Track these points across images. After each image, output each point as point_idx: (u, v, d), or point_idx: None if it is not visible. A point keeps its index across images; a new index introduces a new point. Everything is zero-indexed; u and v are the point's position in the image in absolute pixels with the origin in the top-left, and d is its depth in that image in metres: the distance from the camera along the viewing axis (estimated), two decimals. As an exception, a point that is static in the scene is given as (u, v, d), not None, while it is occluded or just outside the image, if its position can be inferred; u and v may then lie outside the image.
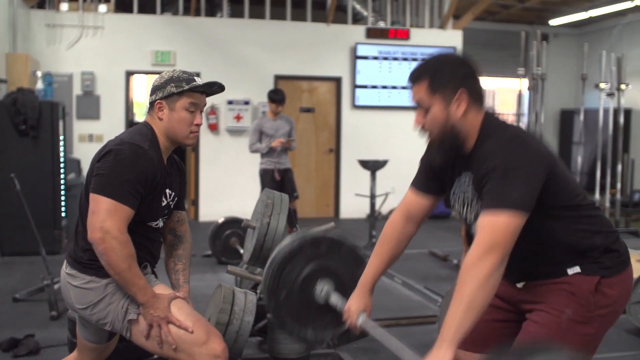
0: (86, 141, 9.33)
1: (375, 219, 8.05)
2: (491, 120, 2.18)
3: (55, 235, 7.19)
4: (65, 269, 2.61)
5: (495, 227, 1.94)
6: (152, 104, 2.60)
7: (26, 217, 5.45)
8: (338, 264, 2.89)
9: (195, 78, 2.58)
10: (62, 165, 7.45)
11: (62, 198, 7.47)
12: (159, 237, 2.71)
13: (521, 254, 2.07)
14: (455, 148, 2.17)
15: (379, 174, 8.11)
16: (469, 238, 2.32)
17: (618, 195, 9.28)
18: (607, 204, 9.28)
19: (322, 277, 2.84)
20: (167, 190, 2.61)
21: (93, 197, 2.37)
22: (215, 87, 2.66)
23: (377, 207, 8.31)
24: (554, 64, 14.31)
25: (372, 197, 7.84)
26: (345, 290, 2.73)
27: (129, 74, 9.61)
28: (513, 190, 1.96)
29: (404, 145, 10.37)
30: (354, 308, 2.49)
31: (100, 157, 2.43)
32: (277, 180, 7.24)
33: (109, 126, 9.35)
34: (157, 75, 2.65)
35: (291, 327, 3.04)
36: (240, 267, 4.43)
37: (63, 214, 7.46)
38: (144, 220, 2.54)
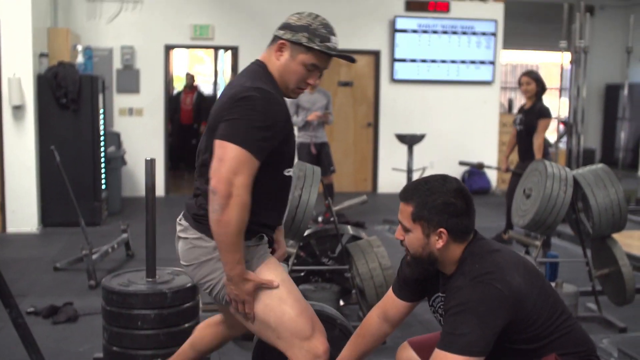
0: (126, 115, 9.43)
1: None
2: (472, 252, 2.19)
3: (95, 207, 7.32)
4: (179, 219, 2.49)
5: None
6: (276, 38, 2.38)
7: (66, 189, 5.55)
8: None
9: (331, 38, 2.34)
10: (102, 138, 7.56)
11: (102, 170, 7.59)
12: (289, 190, 2.50)
13: None
14: (430, 269, 2.23)
15: (416, 148, 8.04)
16: None
17: (662, 172, 9.07)
18: (651, 181, 9.07)
19: None
20: None
21: (221, 143, 2.17)
22: (344, 58, 2.45)
23: (413, 181, 8.25)
24: (599, 37, 13.97)
25: (409, 171, 7.79)
26: None
27: (168, 48, 9.66)
28: (468, 334, 2.02)
29: (442, 119, 10.28)
30: None
31: (229, 105, 2.22)
32: (313, 154, 7.23)
33: (149, 100, 9.46)
34: (296, 13, 2.40)
35: None
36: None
37: (103, 186, 7.59)
38: (281, 168, 2.35)
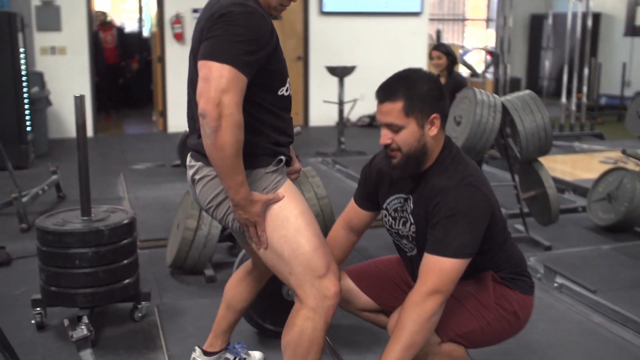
0: (48, 54, 9.08)
1: (343, 126, 8.07)
2: (450, 151, 2.22)
3: (21, 150, 7.09)
4: (188, 162, 2.34)
5: (441, 271, 2.06)
6: None
7: (-10, 131, 5.37)
8: None
9: None
10: (24, 79, 7.28)
11: (27, 112, 7.33)
12: (290, 109, 2.33)
13: None
14: (418, 166, 2.19)
15: (348, 80, 8.07)
16: (398, 248, 2.44)
17: (584, 99, 9.36)
18: (573, 108, 9.36)
19: None
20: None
21: (204, 63, 2.02)
22: None
23: (345, 113, 8.31)
24: (524, -33, 14.11)
25: (341, 103, 7.83)
26: None
27: (89, -18, 9.30)
28: (460, 237, 2.06)
29: (371, 51, 10.29)
30: None
31: (209, 24, 2.08)
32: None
33: (72, 38, 9.11)
34: None
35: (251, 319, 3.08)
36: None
37: (28, 128, 7.35)
38: (274, 88, 2.21)
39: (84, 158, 3.16)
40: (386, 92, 2.17)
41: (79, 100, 3.09)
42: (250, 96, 2.09)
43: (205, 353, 2.70)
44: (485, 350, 2.47)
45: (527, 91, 4.51)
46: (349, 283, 2.51)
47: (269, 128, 2.21)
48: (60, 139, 8.74)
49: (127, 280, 3.23)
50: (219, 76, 1.99)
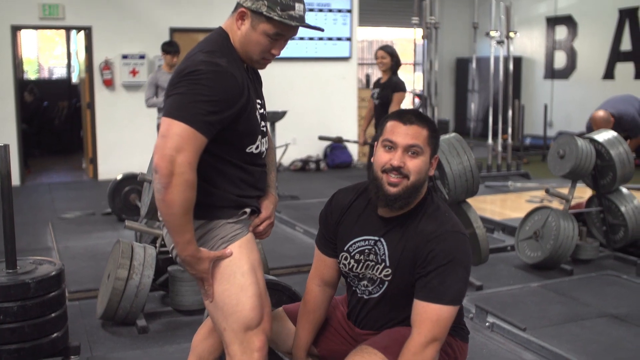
0: (-29, 101, 8.87)
1: (276, 170, 8.08)
2: (433, 196, 2.25)
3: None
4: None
5: (439, 320, 2.07)
6: (237, 5, 2.20)
7: None
8: None
9: (296, 5, 2.15)
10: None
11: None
12: (262, 164, 2.31)
13: (390, 315, 2.28)
14: (412, 201, 2.17)
15: (279, 125, 8.13)
16: (351, 291, 2.38)
17: (509, 140, 9.67)
18: (500, 149, 9.64)
19: None
20: (257, 100, 2.27)
21: (164, 120, 2.02)
22: (309, 27, 2.24)
23: (277, 158, 8.35)
24: (449, 13, 14.60)
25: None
26: None
27: (15, 29, 9.14)
28: (456, 285, 2.08)
29: (303, 96, 10.43)
30: None
31: (179, 76, 2.08)
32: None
33: (-4, 84, 8.93)
34: None
35: None
36: (140, 222, 4.39)
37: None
38: (242, 146, 2.18)
39: (9, 209, 3.09)
40: (415, 116, 2.18)
41: (3, 150, 3.03)
42: (215, 151, 2.11)
43: None
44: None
45: (453, 134, 4.64)
46: (288, 324, 2.47)
47: (235, 181, 2.20)
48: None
49: (55, 334, 3.14)
50: (176, 134, 1.99)
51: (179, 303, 4.02)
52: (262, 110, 2.29)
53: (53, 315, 3.11)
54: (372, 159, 2.24)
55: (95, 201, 7.58)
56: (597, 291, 4.53)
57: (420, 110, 10.55)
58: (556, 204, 5.99)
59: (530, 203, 7.20)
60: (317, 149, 10.57)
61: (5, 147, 3.05)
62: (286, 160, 10.10)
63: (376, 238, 2.23)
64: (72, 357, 3.29)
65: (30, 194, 8.45)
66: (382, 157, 2.17)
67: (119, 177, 6.47)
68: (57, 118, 12.38)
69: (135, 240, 4.68)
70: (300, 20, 2.17)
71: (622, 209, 5.22)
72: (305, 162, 10.33)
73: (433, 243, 2.11)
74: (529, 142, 12.46)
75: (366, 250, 2.25)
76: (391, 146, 2.16)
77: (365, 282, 2.28)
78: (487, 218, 6.52)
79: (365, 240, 2.26)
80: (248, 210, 2.24)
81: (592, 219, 5.57)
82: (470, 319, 4.00)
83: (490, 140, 9.53)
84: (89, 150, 9.72)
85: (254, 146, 2.22)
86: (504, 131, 9.89)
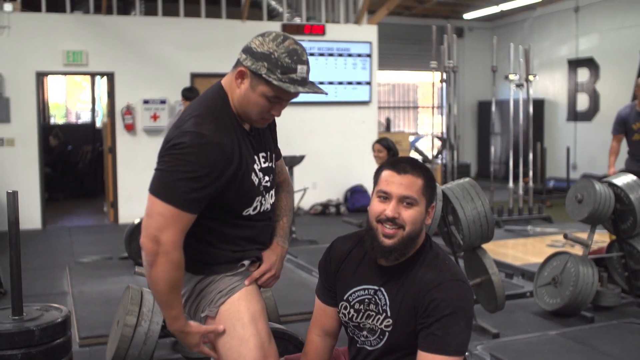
0: (-3, 145, 9.03)
1: (294, 214, 8.07)
2: (432, 244, 2.21)
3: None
4: None
5: None
6: (238, 62, 2.15)
7: None
8: None
9: (298, 68, 2.06)
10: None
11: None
12: (266, 219, 2.29)
13: None
14: (408, 251, 2.14)
15: (299, 169, 8.14)
16: (351, 341, 2.31)
17: (531, 183, 9.57)
18: (521, 192, 9.54)
19: None
20: (261, 155, 2.22)
21: (149, 197, 2.03)
22: (310, 92, 2.16)
23: (296, 202, 8.33)
24: (470, 57, 14.68)
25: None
26: None
27: (40, 75, 9.32)
28: (460, 335, 2.04)
29: (322, 140, 10.46)
30: None
31: (163, 149, 2.05)
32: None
33: (21, 129, 9.06)
34: (260, 35, 2.12)
35: None
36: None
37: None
38: (236, 211, 2.15)
39: (17, 255, 3.09)
40: (410, 165, 2.13)
41: (12, 197, 3.04)
42: (208, 215, 2.08)
43: None
44: None
45: (467, 179, 4.59)
46: None
47: (232, 239, 2.19)
48: (3, 231, 8.53)
49: (60, 383, 3.11)
50: (159, 214, 1.99)
51: (188, 351, 3.97)
52: (266, 164, 2.25)
53: (58, 363, 3.08)
54: (368, 209, 2.21)
55: (114, 245, 7.60)
56: (618, 340, 4.40)
57: (442, 153, 10.53)
58: (578, 249, 5.87)
59: (552, 248, 7.07)
60: (337, 193, 10.56)
61: (14, 194, 3.07)
62: (306, 204, 10.08)
63: (376, 287, 2.18)
64: (76, 405, 3.24)
65: (50, 237, 8.50)
66: (376, 207, 2.13)
67: (137, 221, 6.48)
68: (81, 162, 12.53)
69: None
70: (303, 84, 2.09)
71: (644, 254, 5.11)
72: (326, 206, 10.30)
73: (434, 292, 2.06)
74: (552, 185, 12.33)
75: (366, 300, 2.20)
76: (385, 197, 2.12)
77: (365, 333, 2.22)
78: (506, 263, 6.41)
79: (365, 289, 2.21)
80: (246, 262, 2.22)
81: (614, 264, 5.45)
82: (485, 369, 3.90)
83: (511, 184, 9.45)
84: (109, 194, 9.80)
85: (251, 208, 2.19)
86: (525, 174, 9.80)
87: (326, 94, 2.17)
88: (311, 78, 2.16)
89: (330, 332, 2.35)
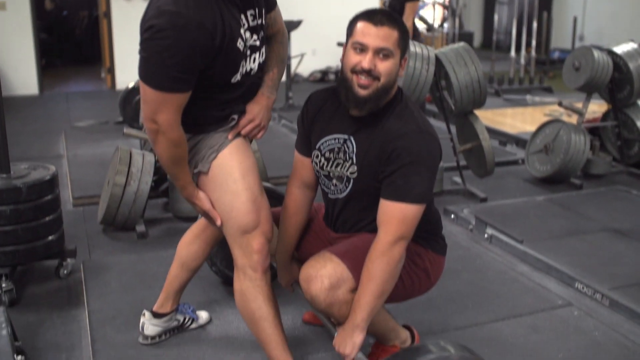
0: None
1: (291, 81, 8.00)
2: (402, 97, 2.19)
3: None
4: None
5: (405, 218, 2.05)
6: None
7: None
8: None
9: None
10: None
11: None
12: (255, 79, 2.28)
13: (358, 215, 2.27)
14: (381, 102, 2.13)
15: (298, 35, 7.98)
16: (324, 194, 2.36)
17: (533, 53, 9.40)
18: (522, 61, 9.39)
19: None
20: (249, 13, 2.14)
21: (140, 83, 2.04)
22: None
23: (293, 68, 8.24)
24: None
25: (288, 57, 7.74)
26: None
27: None
28: (421, 184, 2.06)
29: (322, 5, 10.16)
30: (285, 281, 2.53)
31: (142, 31, 1.98)
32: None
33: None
34: None
35: None
36: (143, 130, 4.37)
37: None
38: (223, 79, 2.14)
39: (1, 115, 3.08)
40: (386, 17, 2.09)
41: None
42: (200, 84, 2.08)
43: (155, 315, 2.67)
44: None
45: (462, 43, 4.50)
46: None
47: (221, 104, 2.21)
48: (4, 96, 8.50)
49: (49, 238, 3.18)
50: (151, 100, 2.03)
51: (178, 210, 4.05)
52: (254, 22, 2.17)
53: (47, 219, 3.13)
54: (340, 60, 2.17)
55: (110, 110, 7.56)
56: (604, 206, 4.46)
57: (447, 21, 10.27)
58: (574, 119, 5.85)
59: (549, 117, 7.03)
60: (337, 60, 10.33)
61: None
62: (305, 71, 9.96)
63: (346, 136, 2.20)
64: (68, 259, 3.34)
65: (47, 103, 8.48)
66: (352, 58, 2.10)
67: (131, 85, 6.42)
68: (77, 27, 12.29)
69: (140, 147, 4.67)
70: None
71: (638, 123, 5.09)
72: (325, 72, 10.18)
73: (398, 141, 2.07)
74: (557, 55, 12.11)
75: (336, 148, 2.23)
76: (362, 48, 2.07)
77: (335, 182, 2.27)
78: (501, 131, 6.42)
79: (335, 138, 2.23)
80: (236, 116, 2.24)
81: (607, 133, 5.45)
82: (470, 231, 3.98)
83: (513, 53, 9.27)
84: (106, 60, 9.68)
85: (238, 74, 2.16)
86: (529, 44, 9.60)
87: None
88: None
89: (309, 183, 2.39)
